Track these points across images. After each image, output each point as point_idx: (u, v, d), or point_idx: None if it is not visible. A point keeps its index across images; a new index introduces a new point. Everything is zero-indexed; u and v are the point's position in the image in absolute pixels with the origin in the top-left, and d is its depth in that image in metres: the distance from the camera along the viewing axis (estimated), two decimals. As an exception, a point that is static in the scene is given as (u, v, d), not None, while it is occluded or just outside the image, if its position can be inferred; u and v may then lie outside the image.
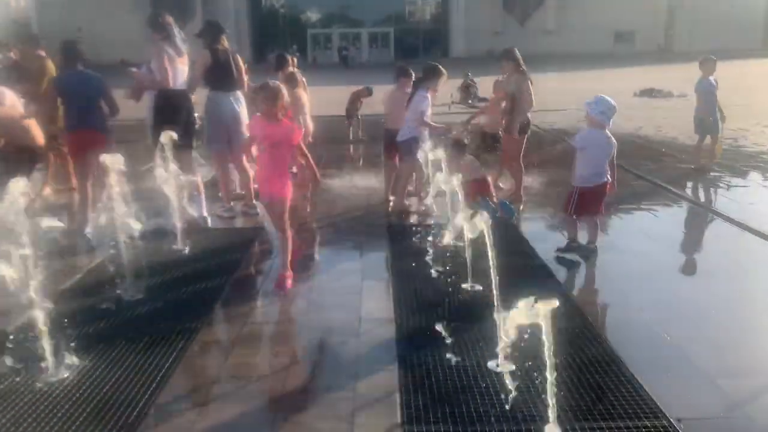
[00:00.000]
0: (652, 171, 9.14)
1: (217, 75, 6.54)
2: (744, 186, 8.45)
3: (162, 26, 6.23)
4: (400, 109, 7.08)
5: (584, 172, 5.46)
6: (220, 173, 6.98)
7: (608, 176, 5.48)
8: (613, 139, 5.47)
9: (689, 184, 8.58)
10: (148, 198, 5.89)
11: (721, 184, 8.54)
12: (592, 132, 5.44)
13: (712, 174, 8.98)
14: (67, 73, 6.29)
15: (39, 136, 5.96)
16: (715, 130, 9.21)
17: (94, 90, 6.18)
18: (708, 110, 9.14)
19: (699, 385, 3.44)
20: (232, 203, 7.03)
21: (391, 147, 7.36)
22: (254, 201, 6.97)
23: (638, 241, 6.09)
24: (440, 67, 6.86)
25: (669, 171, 9.31)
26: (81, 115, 6.12)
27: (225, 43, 6.63)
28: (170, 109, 6.20)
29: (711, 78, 9.13)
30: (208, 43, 6.56)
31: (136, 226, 4.63)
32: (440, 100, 14.54)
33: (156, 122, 6.30)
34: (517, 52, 7.43)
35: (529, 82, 7.31)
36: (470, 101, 18.38)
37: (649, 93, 20.61)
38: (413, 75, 7.30)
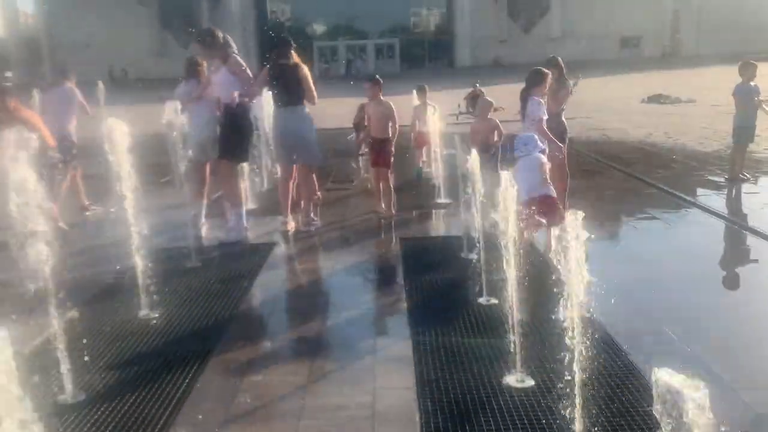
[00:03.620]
0: (663, 178, 9.09)
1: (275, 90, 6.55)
2: (755, 192, 8.39)
3: (223, 42, 6.24)
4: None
5: (521, 190, 5.80)
6: (282, 187, 6.88)
7: (547, 190, 5.80)
8: (542, 158, 5.94)
9: (701, 191, 8.51)
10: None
11: (732, 191, 8.49)
12: (523, 160, 5.97)
13: (722, 181, 8.93)
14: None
15: (49, 136, 6.28)
16: (752, 138, 8.88)
17: None
18: (749, 117, 8.74)
19: (722, 398, 3.38)
20: (290, 216, 6.91)
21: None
22: (313, 216, 6.92)
23: (652, 250, 6.05)
24: (542, 69, 6.67)
25: (680, 178, 9.26)
26: None
27: (295, 58, 6.57)
28: (248, 124, 6.24)
29: (751, 83, 8.71)
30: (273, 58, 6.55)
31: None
32: (448, 110, 14.61)
33: (237, 139, 6.27)
34: (560, 60, 7.35)
35: (567, 91, 7.25)
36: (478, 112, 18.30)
37: (657, 99, 20.53)
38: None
